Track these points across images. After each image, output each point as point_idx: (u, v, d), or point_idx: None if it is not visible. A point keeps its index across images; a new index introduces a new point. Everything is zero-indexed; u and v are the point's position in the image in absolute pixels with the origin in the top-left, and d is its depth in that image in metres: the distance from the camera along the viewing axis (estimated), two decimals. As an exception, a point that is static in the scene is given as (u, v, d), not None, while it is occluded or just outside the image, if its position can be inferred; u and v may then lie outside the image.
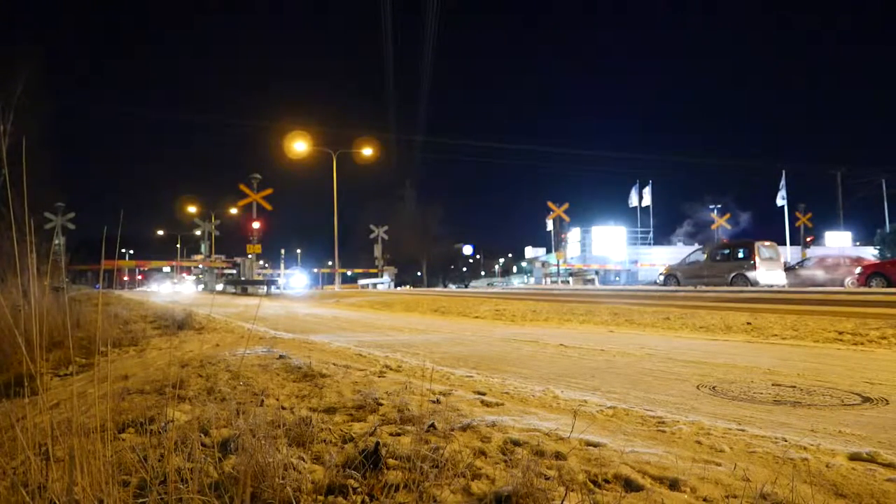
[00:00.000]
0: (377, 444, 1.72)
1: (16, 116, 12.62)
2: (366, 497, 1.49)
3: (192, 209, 41.28)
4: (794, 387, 3.17)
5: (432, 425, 1.97)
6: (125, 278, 43.48)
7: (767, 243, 18.26)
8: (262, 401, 2.46)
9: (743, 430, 2.09)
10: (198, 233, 40.33)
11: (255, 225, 26.07)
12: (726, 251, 18.65)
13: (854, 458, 1.79)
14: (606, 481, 1.55)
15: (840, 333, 5.46)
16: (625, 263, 38.10)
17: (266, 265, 39.34)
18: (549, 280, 33.62)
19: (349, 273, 44.42)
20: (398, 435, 1.94)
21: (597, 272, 35.03)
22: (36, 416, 1.84)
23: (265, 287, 24.42)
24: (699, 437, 1.99)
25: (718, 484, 1.54)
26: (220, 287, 29.15)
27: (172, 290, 33.06)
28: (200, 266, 35.83)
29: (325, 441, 1.87)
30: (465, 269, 70.08)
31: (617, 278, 38.11)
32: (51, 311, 5.15)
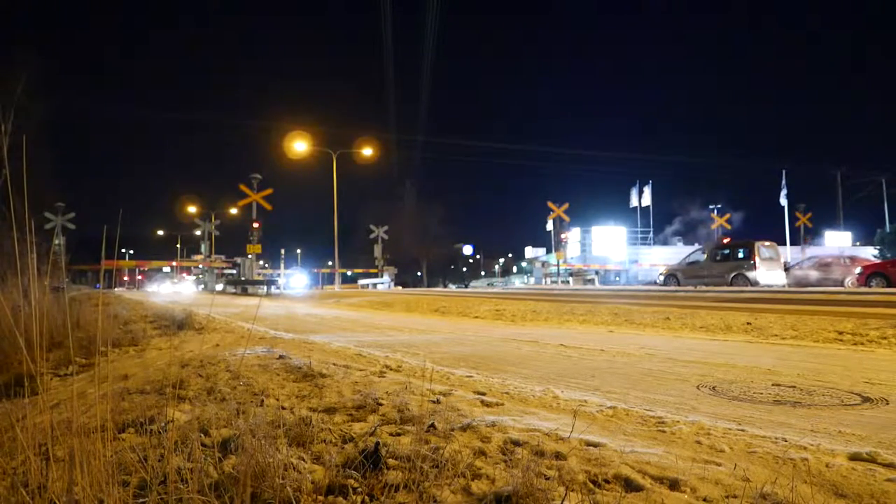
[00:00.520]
0: (377, 444, 1.72)
1: (16, 116, 12.62)
2: (366, 497, 1.49)
3: (192, 209, 41.30)
4: (794, 387, 3.17)
5: (432, 425, 1.97)
6: (125, 278, 43.51)
7: (767, 243, 18.26)
8: (262, 401, 2.46)
9: (743, 430, 2.09)
10: (198, 233, 40.34)
11: (255, 225, 26.09)
12: (726, 251, 18.65)
13: (854, 458, 1.79)
14: (606, 481, 1.55)
15: (840, 333, 5.46)
16: (625, 263, 38.10)
17: (266, 265, 39.35)
18: (549, 280, 33.63)
19: (349, 273, 44.46)
20: (398, 435, 1.94)
21: (597, 272, 35.05)
22: (36, 416, 1.84)
23: (265, 287, 24.43)
24: (699, 438, 1.99)
25: (718, 484, 1.54)
26: (220, 287, 29.16)
27: (172, 290, 33.06)
28: (200, 266, 35.84)
29: (325, 441, 1.87)
30: (465, 269, 70.09)
31: (617, 278, 38.11)
32: (51, 311, 5.16)
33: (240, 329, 6.34)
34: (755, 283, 16.91)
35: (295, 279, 37.94)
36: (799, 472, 1.64)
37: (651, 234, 41.04)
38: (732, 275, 17.61)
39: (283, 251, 57.64)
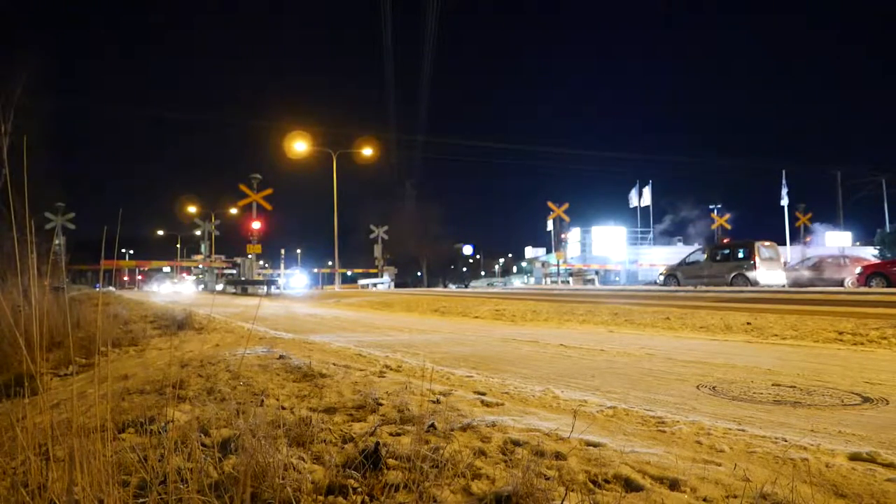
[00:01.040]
0: (377, 444, 1.72)
1: (16, 116, 12.61)
2: (366, 497, 1.49)
3: (192, 209, 41.27)
4: (794, 387, 3.17)
5: (432, 425, 1.97)
6: (125, 278, 43.51)
7: (767, 243, 18.25)
8: (262, 401, 2.46)
9: (743, 430, 2.09)
10: (198, 233, 40.33)
11: (255, 225, 26.08)
12: (726, 251, 18.65)
13: (854, 458, 1.79)
14: (606, 481, 1.55)
15: (840, 333, 5.46)
16: (625, 263, 38.10)
17: (266, 265, 39.35)
18: (549, 280, 33.62)
19: (349, 273, 44.44)
20: (398, 435, 1.94)
21: (597, 272, 35.04)
22: (36, 416, 1.84)
23: (265, 287, 24.42)
24: (699, 438, 1.99)
25: (718, 484, 1.54)
26: (220, 287, 29.15)
27: (172, 290, 33.06)
28: (200, 266, 35.84)
29: (325, 441, 1.87)
30: (465, 269, 70.04)
31: (617, 278, 38.11)
32: (51, 311, 5.16)
33: (240, 329, 6.34)
34: (755, 283, 16.91)
35: (295, 279, 37.95)
36: (799, 472, 1.64)
37: (651, 234, 41.05)
38: (732, 275, 17.61)
39: (283, 251, 57.60)
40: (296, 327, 7.23)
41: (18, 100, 13.17)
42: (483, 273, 65.11)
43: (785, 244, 33.27)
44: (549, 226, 35.57)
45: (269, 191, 26.72)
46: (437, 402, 2.44)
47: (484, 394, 2.73)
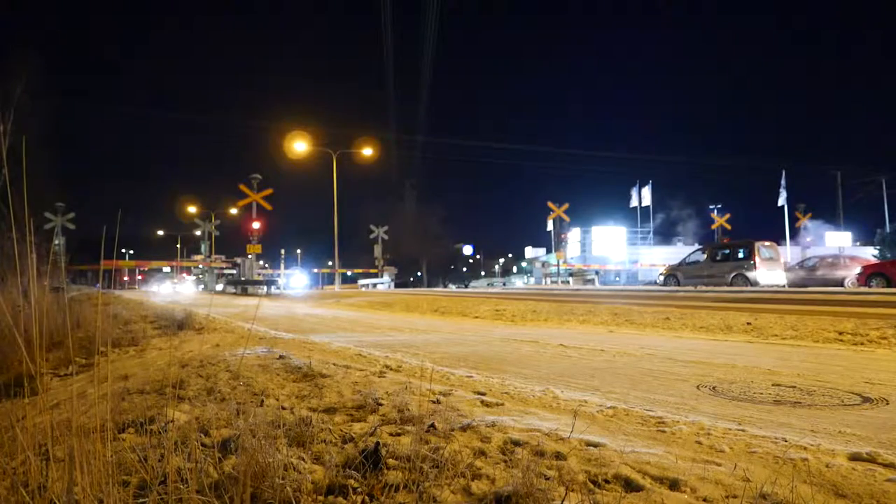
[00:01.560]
0: (377, 444, 1.72)
1: (16, 116, 12.61)
2: (366, 497, 1.49)
3: (192, 209, 41.26)
4: (794, 387, 3.17)
5: (432, 425, 1.97)
6: (125, 278, 43.47)
7: (767, 243, 18.24)
8: (262, 401, 2.46)
9: (743, 430, 2.09)
10: (198, 233, 40.33)
11: (255, 225, 26.08)
12: (726, 251, 18.64)
13: (854, 458, 1.79)
14: (606, 481, 1.55)
15: (840, 333, 5.46)
16: (625, 263, 38.12)
17: (266, 265, 39.37)
18: (549, 280, 33.62)
19: (349, 273, 44.42)
20: (398, 435, 1.94)
21: (597, 272, 35.04)
22: (36, 416, 1.84)
23: (265, 287, 24.43)
24: (699, 438, 1.99)
25: (718, 484, 1.54)
26: (220, 287, 29.16)
27: (172, 290, 33.05)
28: (200, 266, 35.82)
29: (325, 441, 1.87)
30: (465, 269, 70.04)
31: (617, 278, 38.13)
32: (51, 312, 5.15)
33: (240, 329, 6.34)
34: (755, 283, 16.91)
35: (295, 279, 37.95)
36: (799, 472, 1.64)
37: (651, 234, 41.06)
38: (732, 275, 17.60)
39: (283, 251, 57.71)
40: (296, 327, 7.23)
41: (18, 100, 13.17)
42: (483, 273, 65.08)
43: (785, 244, 33.28)
44: (549, 226, 35.57)
45: (269, 191, 26.73)
46: (437, 402, 2.44)
47: (484, 394, 2.73)
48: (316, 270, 51.29)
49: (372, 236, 34.38)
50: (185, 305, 9.94)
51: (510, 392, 2.83)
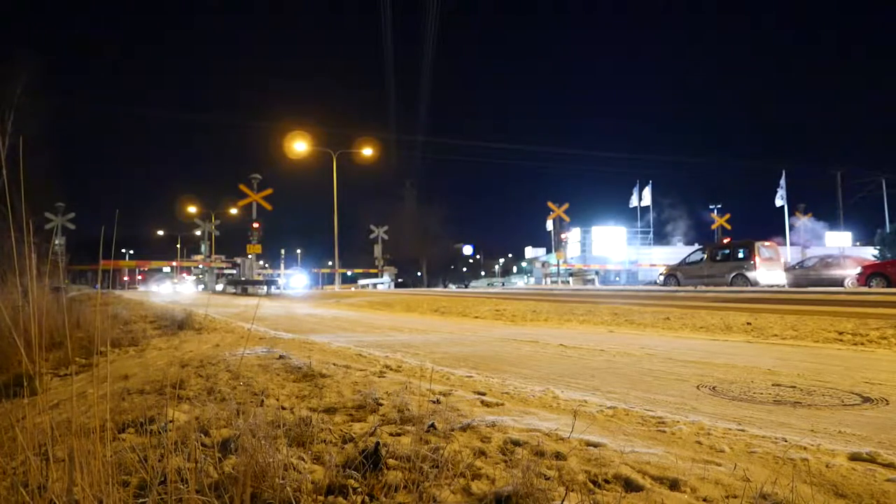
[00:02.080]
0: (377, 444, 1.72)
1: (16, 116, 12.61)
2: (366, 497, 1.49)
3: (192, 209, 41.24)
4: (794, 387, 3.17)
5: (432, 425, 1.97)
6: (125, 278, 43.45)
7: (767, 243, 18.26)
8: (262, 401, 2.46)
9: (743, 430, 2.09)
10: (198, 233, 40.32)
11: (256, 225, 26.08)
12: (726, 251, 18.65)
13: (854, 458, 1.79)
14: (606, 481, 1.55)
15: (840, 333, 5.46)
16: (625, 263, 38.13)
17: (266, 265, 39.34)
18: (549, 280, 33.63)
19: (349, 273, 44.44)
20: (398, 435, 1.93)
21: (597, 272, 35.06)
22: (36, 416, 1.84)
23: (265, 287, 24.43)
24: (699, 438, 1.99)
25: (718, 484, 1.54)
26: (220, 287, 29.15)
27: (172, 290, 33.05)
28: (200, 266, 35.82)
29: (325, 441, 1.87)
30: (465, 269, 70.04)
31: (617, 278, 38.15)
32: (51, 312, 5.15)
33: (240, 329, 6.34)
34: (755, 283, 16.91)
35: (295, 279, 37.94)
36: (799, 472, 1.64)
37: (651, 234, 41.08)
38: (732, 275, 17.61)
39: (283, 251, 57.70)
40: (296, 327, 7.23)
41: (18, 100, 13.17)
42: (483, 273, 65.15)
43: (785, 244, 33.29)
44: (549, 226, 35.59)
45: (269, 191, 26.73)
46: (437, 402, 2.44)
47: (484, 394, 2.73)
48: (316, 270, 51.30)
49: (372, 236, 34.39)
50: (184, 305, 9.94)
51: (510, 392, 2.83)
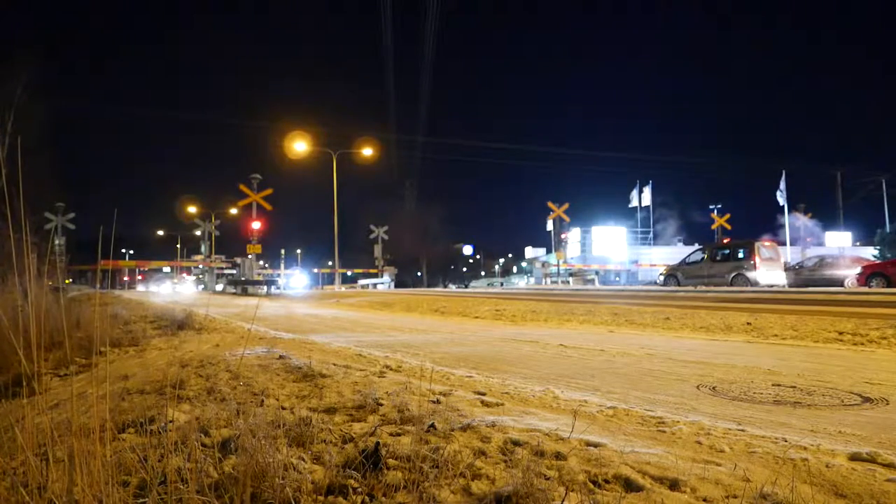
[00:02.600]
0: (377, 444, 1.72)
1: (16, 116, 12.61)
2: (366, 497, 1.49)
3: (192, 209, 41.18)
4: (795, 387, 3.17)
5: (432, 425, 1.97)
6: (125, 278, 43.45)
7: (767, 243, 18.25)
8: (262, 401, 2.46)
9: (743, 431, 2.09)
10: (198, 233, 40.30)
11: (255, 225, 26.08)
12: (726, 251, 18.64)
13: (854, 458, 1.79)
14: (606, 481, 1.54)
15: (840, 333, 5.46)
16: (625, 263, 38.09)
17: (266, 265, 39.34)
18: (549, 280, 33.61)
19: (349, 273, 44.40)
20: (398, 435, 1.93)
21: (597, 272, 35.04)
22: (35, 416, 1.84)
23: (265, 287, 24.41)
24: (699, 438, 1.99)
25: (718, 484, 1.53)
26: (220, 287, 29.14)
27: (172, 290, 33.04)
28: (200, 266, 35.81)
29: (325, 441, 1.87)
30: (465, 269, 70.03)
31: (617, 278, 38.13)
32: (50, 312, 5.15)
33: (240, 329, 6.33)
34: (755, 283, 16.90)
35: (295, 279, 37.96)
36: (799, 472, 1.64)
37: (651, 234, 41.07)
38: (732, 275, 17.60)
39: (283, 251, 57.66)
40: (296, 327, 7.23)
41: (18, 100, 13.17)
42: (483, 273, 65.12)
43: (785, 244, 33.27)
44: (549, 226, 35.57)
45: (269, 191, 26.73)
46: (437, 402, 2.43)
47: (484, 394, 2.73)
48: (316, 270, 51.32)
49: (372, 236, 34.37)
50: (184, 305, 9.93)
51: (510, 392, 2.83)
